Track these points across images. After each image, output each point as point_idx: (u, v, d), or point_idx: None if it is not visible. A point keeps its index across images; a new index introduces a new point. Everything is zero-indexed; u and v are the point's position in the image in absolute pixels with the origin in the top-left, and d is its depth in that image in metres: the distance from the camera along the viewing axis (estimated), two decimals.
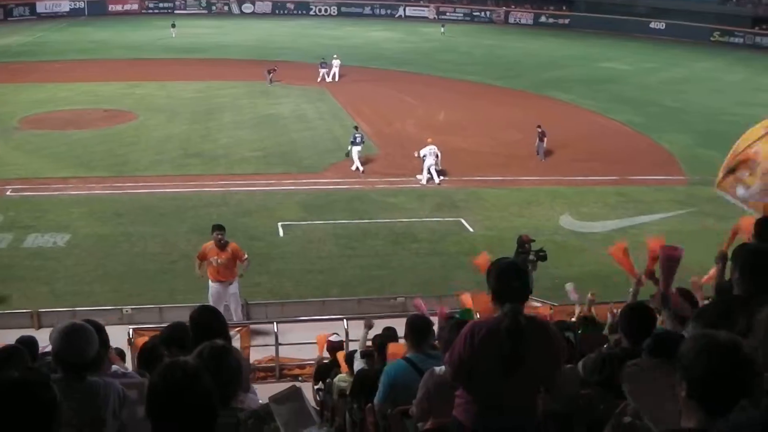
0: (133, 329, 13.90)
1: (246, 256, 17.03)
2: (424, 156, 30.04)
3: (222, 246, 16.60)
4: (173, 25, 73.71)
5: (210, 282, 16.73)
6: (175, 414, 3.63)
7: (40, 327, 16.84)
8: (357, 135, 31.94)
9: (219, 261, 16.57)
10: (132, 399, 5.37)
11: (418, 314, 8.50)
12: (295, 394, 4.68)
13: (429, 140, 30.81)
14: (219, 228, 16.76)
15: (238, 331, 14.59)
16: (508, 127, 39.08)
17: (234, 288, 16.95)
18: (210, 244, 16.69)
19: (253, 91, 48.00)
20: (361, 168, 31.45)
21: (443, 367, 6.31)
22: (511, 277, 5.32)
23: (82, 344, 5.10)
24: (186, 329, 7.39)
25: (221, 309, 16.60)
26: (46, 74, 51.59)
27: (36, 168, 31.02)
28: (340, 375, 10.64)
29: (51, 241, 23.31)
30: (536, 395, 5.46)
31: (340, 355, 11.55)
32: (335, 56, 53.38)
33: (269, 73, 50.68)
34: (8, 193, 27.83)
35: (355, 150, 31.71)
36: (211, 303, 16.57)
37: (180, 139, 35.98)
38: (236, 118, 40.82)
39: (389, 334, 10.20)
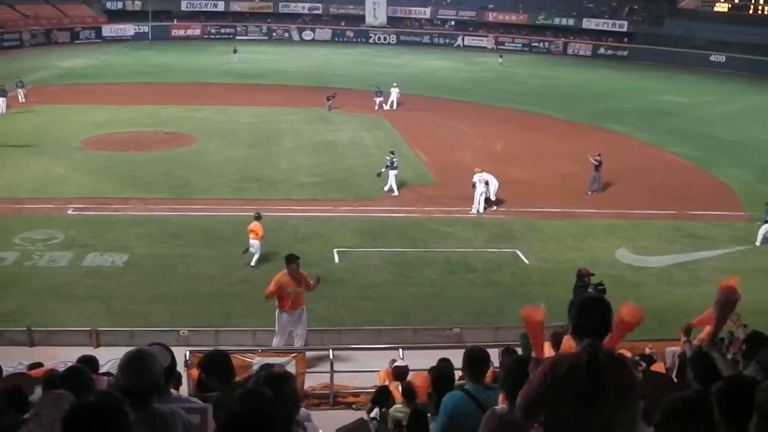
0: (190, 351, 13.90)
1: (312, 281, 17.23)
2: (474, 184, 30.12)
3: (297, 277, 16.76)
4: (235, 51, 74.70)
5: (281, 312, 16.84)
6: None
7: (98, 345, 17.04)
8: (394, 159, 32.40)
9: (296, 291, 16.74)
10: (195, 424, 5.36)
11: (476, 346, 8.39)
12: (362, 427, 4.63)
13: (476, 169, 30.91)
14: (296, 258, 16.93)
15: (294, 357, 14.56)
16: (564, 159, 38.82)
17: (304, 315, 17.11)
18: (284, 276, 16.75)
19: (312, 118, 48.34)
20: (396, 192, 31.99)
21: (504, 407, 6.22)
22: (592, 311, 5.26)
23: (144, 372, 5.09)
24: (224, 358, 7.38)
25: (286, 336, 16.78)
26: (108, 96, 52.57)
27: (97, 188, 31.49)
28: (396, 405, 10.52)
29: (109, 261, 23.59)
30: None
31: (393, 386, 11.43)
32: (394, 84, 53.58)
33: (328, 99, 51.01)
34: (69, 212, 28.24)
35: (392, 174, 32.16)
36: (277, 331, 16.76)
37: (239, 164, 36.29)
38: (295, 143, 41.12)
39: (445, 366, 10.08)
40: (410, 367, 12.71)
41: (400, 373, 12.44)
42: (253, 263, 23.55)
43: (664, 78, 74.56)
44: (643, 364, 12.10)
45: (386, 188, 32.29)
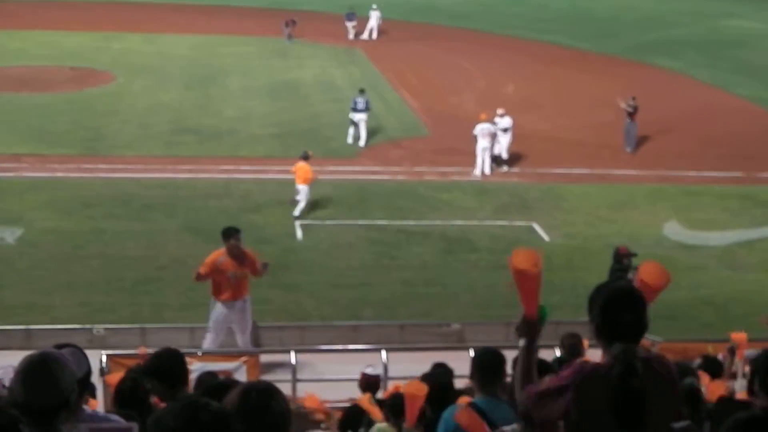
0: (108, 356, 13.88)
1: (261, 263, 16.84)
2: (475, 137, 30.17)
3: (240, 257, 16.31)
4: None
5: (217, 303, 16.46)
6: None
7: None
8: (358, 99, 32.85)
9: (237, 275, 16.33)
10: None
11: (487, 347, 8.40)
12: None
13: (482, 116, 30.79)
14: (235, 232, 16.40)
15: (245, 362, 14.56)
16: (597, 105, 38.77)
17: (246, 307, 16.70)
18: (222, 255, 16.28)
19: (266, 50, 48.16)
20: (363, 143, 32.78)
21: (514, 426, 6.22)
22: (622, 307, 5.17)
23: (50, 384, 5.01)
24: (179, 359, 7.37)
25: (223, 335, 16.59)
26: None
27: None
28: (378, 425, 10.53)
29: None
30: None
31: (364, 400, 11.41)
32: (373, 7, 53.42)
33: (287, 26, 50.82)
34: None
35: (360, 118, 32.74)
36: (211, 327, 16.58)
37: (171, 110, 36.20)
38: (244, 83, 40.99)
39: (442, 373, 10.09)
40: (397, 374, 12.75)
41: (370, 384, 12.38)
42: (297, 212, 25.33)
43: None
44: (703, 379, 11.03)
45: (349, 139, 32.86)
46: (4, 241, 23.29)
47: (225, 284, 16.28)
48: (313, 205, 26.33)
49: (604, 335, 5.18)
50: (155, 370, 7.12)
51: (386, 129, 34.12)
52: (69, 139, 31.96)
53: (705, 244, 25.28)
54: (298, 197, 25.60)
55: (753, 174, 31.22)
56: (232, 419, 3.67)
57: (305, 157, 26.07)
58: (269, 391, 4.81)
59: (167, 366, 7.04)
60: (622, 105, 33.48)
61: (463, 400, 8.62)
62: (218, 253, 16.34)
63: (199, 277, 16.44)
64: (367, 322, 19.31)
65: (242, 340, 16.70)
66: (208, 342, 16.37)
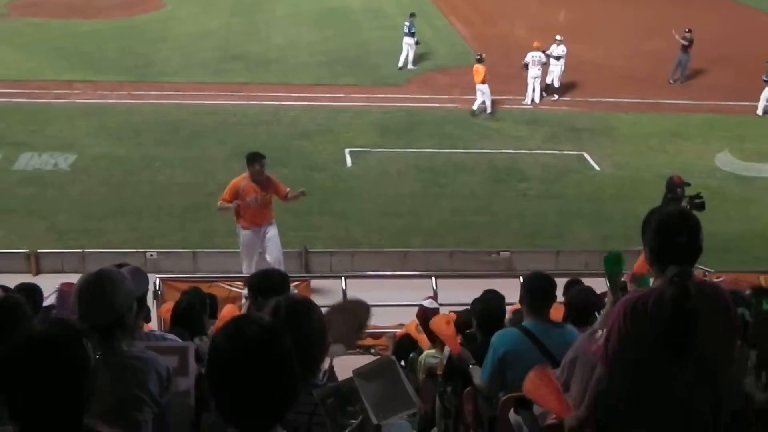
0: (160, 279, 14.01)
1: (289, 190, 16.64)
2: (526, 65, 30.10)
3: (262, 181, 16.15)
4: None
5: (241, 229, 16.41)
6: (246, 384, 3.63)
7: (38, 272, 17.17)
8: (406, 23, 33.34)
9: (258, 200, 16.14)
10: (173, 368, 5.40)
11: (538, 272, 8.42)
12: (388, 367, 4.64)
13: (535, 44, 30.72)
14: (260, 157, 16.14)
15: (296, 286, 14.63)
16: (651, 33, 38.37)
17: (273, 231, 16.59)
18: (244, 179, 16.13)
19: None
20: (409, 65, 33.59)
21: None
22: (677, 230, 5.16)
23: (106, 300, 5.06)
24: (284, 279, 7.47)
25: (255, 261, 16.50)
26: None
27: (31, 67, 31.49)
28: (427, 351, 10.63)
29: (51, 163, 23.67)
30: (707, 389, 5.35)
31: (412, 327, 11.46)
32: None
33: None
34: None
35: (405, 41, 33.16)
36: (241, 253, 16.58)
37: (218, 37, 36.16)
38: (291, 10, 40.85)
39: (492, 298, 10.12)
40: (447, 301, 12.78)
41: (425, 318, 12.39)
42: (475, 106, 28.70)
43: None
44: None
45: (400, 63, 33.08)
46: (57, 166, 23.52)
47: (245, 210, 16.17)
48: (358, 133, 26.39)
49: (659, 259, 5.21)
50: (263, 287, 7.17)
51: (435, 56, 33.92)
52: (119, 65, 32.06)
53: (759, 175, 25.09)
54: (481, 96, 28.64)
55: None
56: (279, 332, 3.71)
57: (480, 60, 28.84)
58: (299, 306, 4.86)
59: (273, 285, 7.07)
60: (677, 37, 33.13)
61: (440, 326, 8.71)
62: (240, 178, 16.19)
63: (222, 204, 16.28)
64: (416, 249, 19.39)
65: (276, 264, 16.06)
66: (245, 267, 16.35)
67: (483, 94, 28.63)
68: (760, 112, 30.35)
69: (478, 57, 29.19)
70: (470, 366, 8.18)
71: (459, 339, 9.16)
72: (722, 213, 21.39)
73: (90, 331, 3.97)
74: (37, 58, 32.55)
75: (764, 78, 30.22)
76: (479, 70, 28.55)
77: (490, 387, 7.44)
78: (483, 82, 28.51)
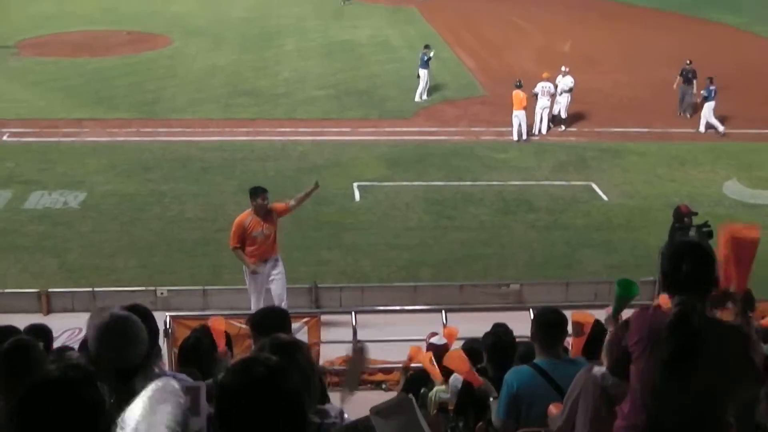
0: (171, 317, 14.03)
1: (290, 201, 16.81)
2: (536, 95, 30.20)
3: (265, 213, 16.18)
4: None
5: (247, 267, 16.42)
6: (254, 424, 3.68)
7: (49, 312, 17.21)
8: (424, 54, 33.42)
9: (264, 233, 16.19)
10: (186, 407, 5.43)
11: (548, 306, 8.46)
12: (405, 405, 4.68)
13: (545, 75, 30.87)
14: (262, 191, 16.24)
15: (306, 322, 14.64)
16: (658, 62, 38.43)
17: (279, 268, 16.58)
18: (248, 215, 16.23)
19: (322, 11, 48.07)
20: (422, 98, 33.47)
21: (602, 368, 6.26)
22: (685, 260, 5.26)
23: (131, 342, 5.10)
24: (285, 317, 7.50)
25: (263, 297, 16.50)
26: None
27: (41, 106, 31.64)
28: (438, 386, 10.64)
29: (61, 201, 23.72)
30: (720, 422, 5.35)
31: (426, 359, 11.45)
32: None
33: None
34: (5, 138, 28.47)
35: (422, 75, 33.28)
36: (250, 292, 16.57)
37: (227, 73, 36.31)
38: (300, 45, 41.03)
39: (503, 332, 10.13)
40: (458, 335, 12.78)
41: (439, 354, 12.40)
42: (515, 137, 29.25)
43: None
44: None
45: (417, 98, 33.28)
46: (67, 204, 23.59)
47: (251, 245, 16.18)
48: (366, 166, 26.47)
49: (667, 286, 5.38)
50: (261, 324, 7.21)
51: (443, 88, 34.05)
52: (127, 102, 32.24)
53: (766, 203, 25.05)
54: (516, 120, 29.21)
55: None
56: (286, 372, 3.76)
57: (518, 86, 29.43)
58: (283, 348, 4.89)
59: (271, 324, 7.10)
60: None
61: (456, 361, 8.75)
62: (244, 216, 16.29)
63: (236, 248, 16.28)
64: (426, 282, 19.34)
65: (277, 301, 16.26)
66: (253, 303, 16.26)
67: (519, 120, 29.11)
68: (702, 129, 31.04)
69: (518, 83, 29.69)
70: (491, 399, 8.19)
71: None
72: None
73: (107, 374, 4.03)
74: (47, 96, 32.73)
75: (704, 94, 30.97)
76: (519, 95, 29.04)
77: (507, 424, 7.47)
78: (523, 108, 29.03)
